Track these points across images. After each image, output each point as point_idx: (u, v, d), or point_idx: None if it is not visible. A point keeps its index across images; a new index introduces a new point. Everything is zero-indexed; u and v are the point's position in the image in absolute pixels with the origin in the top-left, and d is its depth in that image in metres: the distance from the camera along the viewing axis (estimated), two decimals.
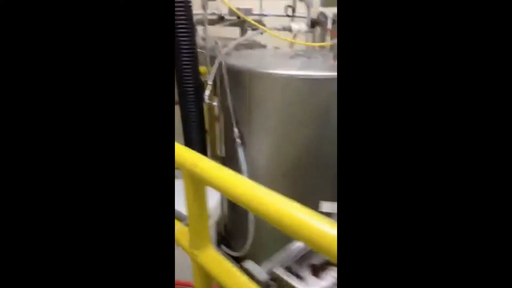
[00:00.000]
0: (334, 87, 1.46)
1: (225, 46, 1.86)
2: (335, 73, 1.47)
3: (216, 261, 0.90)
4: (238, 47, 2.13)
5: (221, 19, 2.67)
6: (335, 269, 0.94)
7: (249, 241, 1.77)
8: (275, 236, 1.77)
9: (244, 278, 0.84)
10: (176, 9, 1.63)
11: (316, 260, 0.93)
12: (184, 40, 1.70)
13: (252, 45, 2.29)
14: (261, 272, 0.89)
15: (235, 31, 2.59)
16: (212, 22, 2.63)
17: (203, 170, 0.80)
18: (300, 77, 1.48)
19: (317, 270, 0.90)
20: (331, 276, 0.90)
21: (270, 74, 1.52)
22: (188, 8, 1.68)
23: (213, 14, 2.66)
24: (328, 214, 1.12)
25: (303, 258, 0.93)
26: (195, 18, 2.58)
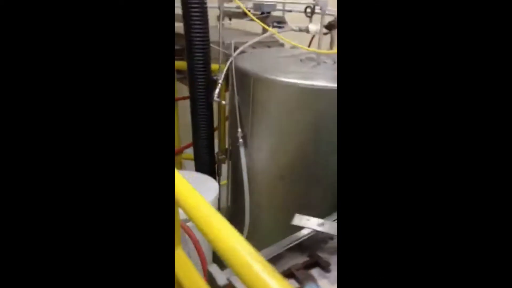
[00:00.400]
0: (333, 97, 1.47)
1: (242, 43, 1.90)
2: (336, 84, 1.48)
3: (181, 262, 0.99)
4: (256, 44, 2.16)
5: (245, 13, 2.69)
6: (292, 280, 1.00)
7: (245, 234, 1.87)
8: (269, 232, 1.85)
9: (201, 282, 0.93)
10: (190, 5, 1.69)
11: None
12: (197, 37, 1.76)
13: (270, 43, 2.31)
14: (221, 277, 0.97)
15: (258, 26, 2.60)
16: (237, 15, 2.67)
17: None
18: (300, 85, 1.50)
19: None
20: None
21: (271, 80, 1.55)
22: (202, 5, 1.73)
23: (239, 7, 2.69)
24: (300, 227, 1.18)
25: None
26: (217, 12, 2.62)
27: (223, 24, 2.81)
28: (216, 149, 2.07)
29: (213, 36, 1.94)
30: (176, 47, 2.11)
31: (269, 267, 0.64)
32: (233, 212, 2.08)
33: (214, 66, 1.95)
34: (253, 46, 2.13)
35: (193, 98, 1.86)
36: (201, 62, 1.79)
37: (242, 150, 1.76)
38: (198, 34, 1.74)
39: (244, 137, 1.77)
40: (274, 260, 1.04)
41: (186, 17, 1.72)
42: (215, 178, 1.99)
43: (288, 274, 0.99)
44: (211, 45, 1.93)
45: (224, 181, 2.21)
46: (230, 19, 2.80)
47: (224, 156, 2.07)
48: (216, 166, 2.06)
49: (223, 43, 1.99)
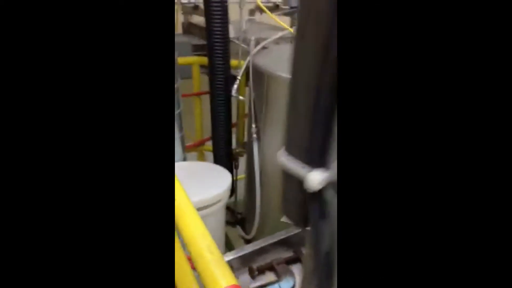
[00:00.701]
0: None
1: (263, 39, 1.94)
2: None
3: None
4: (280, 40, 2.18)
5: (276, 7, 2.71)
6: (272, 273, 1.04)
7: (255, 226, 1.93)
8: (277, 225, 1.89)
9: (189, 269, 1.01)
10: (211, 1, 1.74)
11: (256, 263, 1.04)
12: (217, 33, 1.81)
13: (292, 39, 2.31)
14: None
15: (286, 20, 2.61)
16: (268, 9, 2.69)
17: None
18: None
19: (253, 272, 1.02)
20: (265, 279, 1.01)
21: (282, 78, 1.58)
22: (223, 1, 1.77)
23: (269, 2, 2.71)
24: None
25: (247, 260, 1.06)
26: (251, 6, 2.66)
27: (253, 19, 2.85)
28: (234, 144, 2.14)
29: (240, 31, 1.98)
30: (202, 42, 2.19)
31: (221, 259, 0.70)
32: (248, 205, 2.14)
33: (236, 62, 2.01)
34: (277, 42, 2.15)
35: (212, 93, 1.94)
36: (220, 57, 1.85)
37: (255, 146, 1.81)
38: (218, 30, 1.80)
39: (258, 133, 1.82)
40: (259, 254, 1.09)
41: (207, 13, 1.79)
42: (231, 171, 2.06)
43: (268, 267, 1.03)
44: (234, 40, 1.99)
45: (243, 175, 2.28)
46: (261, 13, 2.83)
47: (242, 149, 2.14)
48: (233, 159, 2.13)
49: (244, 38, 2.03)
